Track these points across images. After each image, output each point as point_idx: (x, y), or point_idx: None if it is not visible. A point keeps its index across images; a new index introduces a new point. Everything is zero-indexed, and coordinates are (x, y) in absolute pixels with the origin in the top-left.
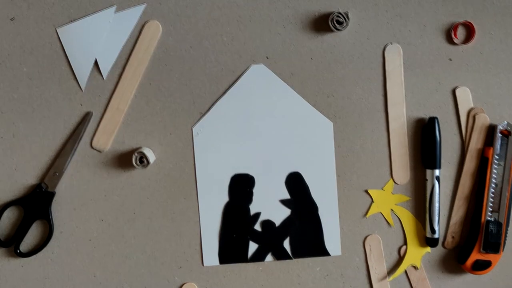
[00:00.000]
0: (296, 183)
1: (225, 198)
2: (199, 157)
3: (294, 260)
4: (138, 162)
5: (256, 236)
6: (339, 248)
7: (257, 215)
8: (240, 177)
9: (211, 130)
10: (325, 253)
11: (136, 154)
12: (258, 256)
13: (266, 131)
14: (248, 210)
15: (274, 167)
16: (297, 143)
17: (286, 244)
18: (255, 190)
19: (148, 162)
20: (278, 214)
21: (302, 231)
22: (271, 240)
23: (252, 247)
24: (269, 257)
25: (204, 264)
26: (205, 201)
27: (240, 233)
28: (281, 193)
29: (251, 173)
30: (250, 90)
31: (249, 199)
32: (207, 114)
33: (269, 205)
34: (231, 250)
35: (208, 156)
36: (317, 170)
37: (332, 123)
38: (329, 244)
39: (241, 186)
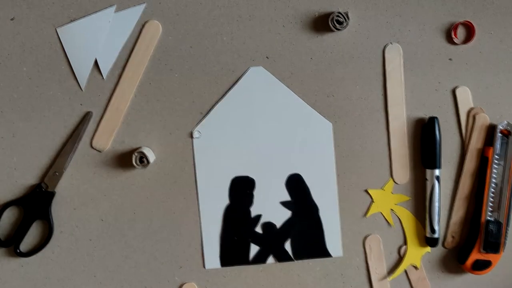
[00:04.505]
0: (296, 185)
1: (226, 201)
2: (199, 160)
3: (294, 260)
4: (138, 162)
5: (257, 238)
6: (341, 249)
7: (258, 217)
8: (240, 180)
9: (211, 133)
10: (326, 254)
11: (136, 154)
12: (260, 258)
13: (266, 133)
14: (249, 212)
15: (274, 169)
16: (297, 144)
17: (287, 245)
18: (255, 192)
19: (148, 162)
20: (279, 216)
21: (303, 232)
22: (272, 242)
23: (254, 249)
24: (270, 259)
25: (206, 267)
26: (206, 204)
27: (241, 235)
28: (281, 195)
29: (251, 175)
30: (248, 92)
31: (250, 202)
32: (207, 116)
33: (270, 207)
34: (232, 253)
35: (208, 159)
36: (317, 171)
37: (331, 124)
38: (330, 245)
39: (242, 189)
